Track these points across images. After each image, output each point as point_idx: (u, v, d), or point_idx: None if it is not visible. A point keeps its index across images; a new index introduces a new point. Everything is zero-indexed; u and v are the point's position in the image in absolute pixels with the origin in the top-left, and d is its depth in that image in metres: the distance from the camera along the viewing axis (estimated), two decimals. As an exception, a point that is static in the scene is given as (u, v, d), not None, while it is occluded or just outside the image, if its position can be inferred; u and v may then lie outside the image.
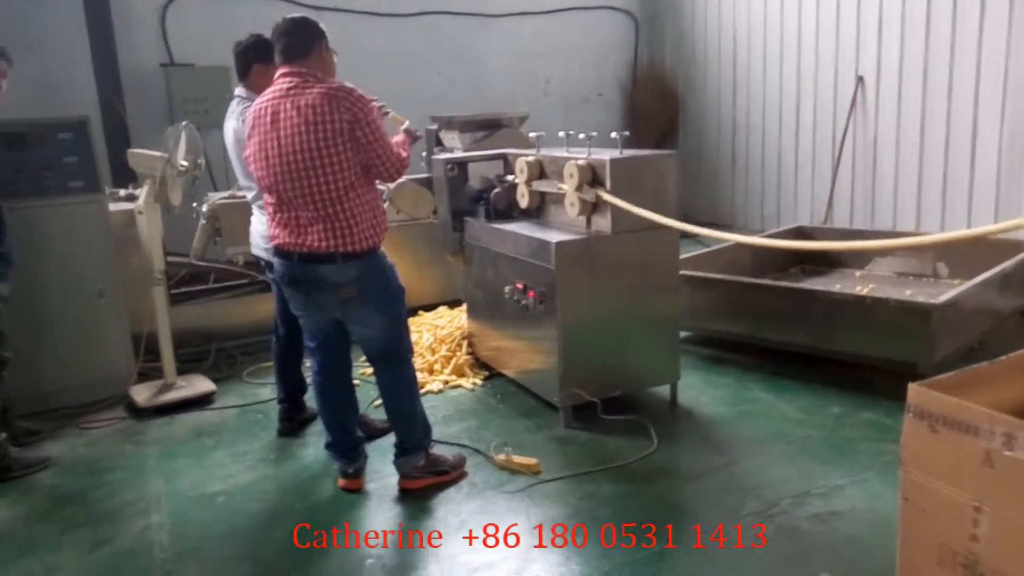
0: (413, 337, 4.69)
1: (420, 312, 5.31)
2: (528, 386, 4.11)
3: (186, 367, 4.74)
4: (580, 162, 3.72)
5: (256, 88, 3.51)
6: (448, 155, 4.57)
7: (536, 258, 3.77)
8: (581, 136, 4.10)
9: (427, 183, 5.32)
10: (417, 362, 4.55)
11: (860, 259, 5.87)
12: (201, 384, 4.47)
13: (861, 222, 7.27)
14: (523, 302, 3.90)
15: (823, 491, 3.06)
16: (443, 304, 5.49)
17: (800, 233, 6.12)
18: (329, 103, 2.79)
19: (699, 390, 4.16)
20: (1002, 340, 4.51)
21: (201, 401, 4.35)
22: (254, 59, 3.62)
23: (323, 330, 3.14)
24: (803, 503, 2.99)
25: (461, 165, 4.54)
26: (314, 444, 3.72)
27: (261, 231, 3.63)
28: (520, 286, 3.91)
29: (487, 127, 6.10)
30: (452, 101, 8.03)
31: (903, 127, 6.79)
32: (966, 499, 1.94)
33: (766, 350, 4.50)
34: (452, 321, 4.93)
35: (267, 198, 2.96)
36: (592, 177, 3.73)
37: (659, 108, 9.45)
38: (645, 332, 3.88)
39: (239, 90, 3.70)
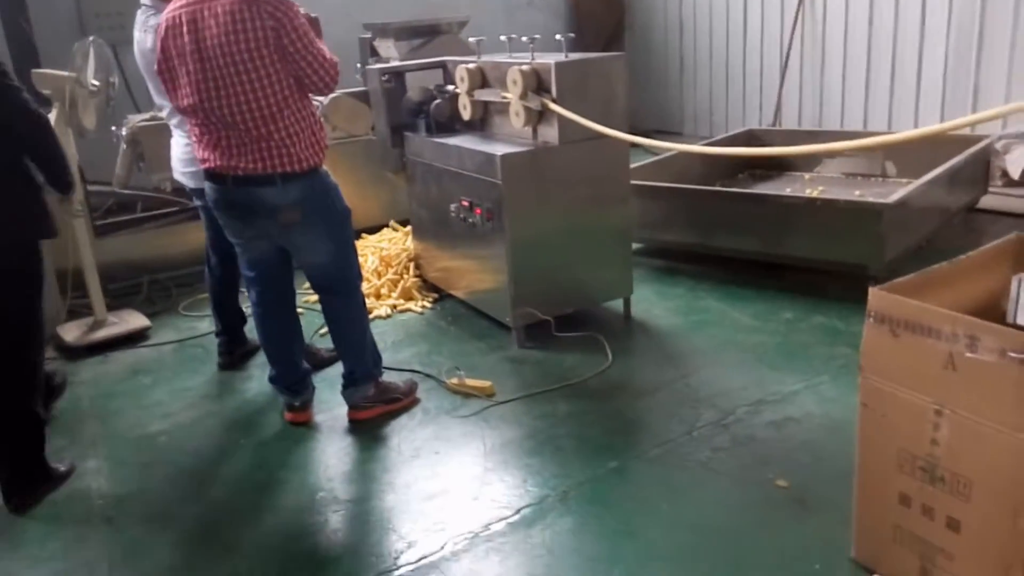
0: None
1: (364, 235, 5.10)
2: (479, 307, 4.00)
3: (118, 303, 4.51)
4: (524, 67, 3.51)
5: None
6: (384, 65, 4.29)
7: (481, 173, 3.59)
8: (524, 40, 3.88)
9: (363, 97, 5.05)
10: (363, 287, 4.39)
11: (809, 162, 5.81)
12: (134, 320, 4.25)
13: (810, 123, 7.20)
14: (470, 220, 3.74)
15: (777, 398, 3.05)
16: (387, 226, 5.29)
17: (751, 137, 6.01)
18: (249, 7, 2.52)
19: (652, 302, 4.09)
20: (949, 237, 4.54)
21: (135, 337, 4.15)
22: None
23: (263, 258, 2.94)
24: (758, 411, 2.97)
25: (398, 75, 4.27)
26: (257, 377, 3.57)
27: (180, 155, 3.37)
28: (466, 203, 3.74)
29: (425, 34, 5.78)
30: (385, 7, 7.59)
31: (851, 24, 6.64)
32: (927, 403, 1.90)
33: (718, 258, 4.44)
34: (398, 243, 4.75)
35: (191, 118, 2.70)
36: (537, 84, 3.53)
37: (604, 10, 9.10)
38: (597, 246, 3.77)
39: None
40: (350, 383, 3.11)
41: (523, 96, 3.53)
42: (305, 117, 2.72)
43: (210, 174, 2.76)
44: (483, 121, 4.04)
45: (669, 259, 4.61)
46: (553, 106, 3.41)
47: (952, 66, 6.00)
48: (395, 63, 4.56)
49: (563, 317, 3.72)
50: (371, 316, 4.02)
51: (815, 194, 5.03)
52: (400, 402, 3.19)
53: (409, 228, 4.89)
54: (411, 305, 4.31)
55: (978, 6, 5.70)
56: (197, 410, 3.37)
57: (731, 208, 4.34)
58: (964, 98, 5.97)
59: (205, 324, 4.24)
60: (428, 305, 4.32)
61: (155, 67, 2.71)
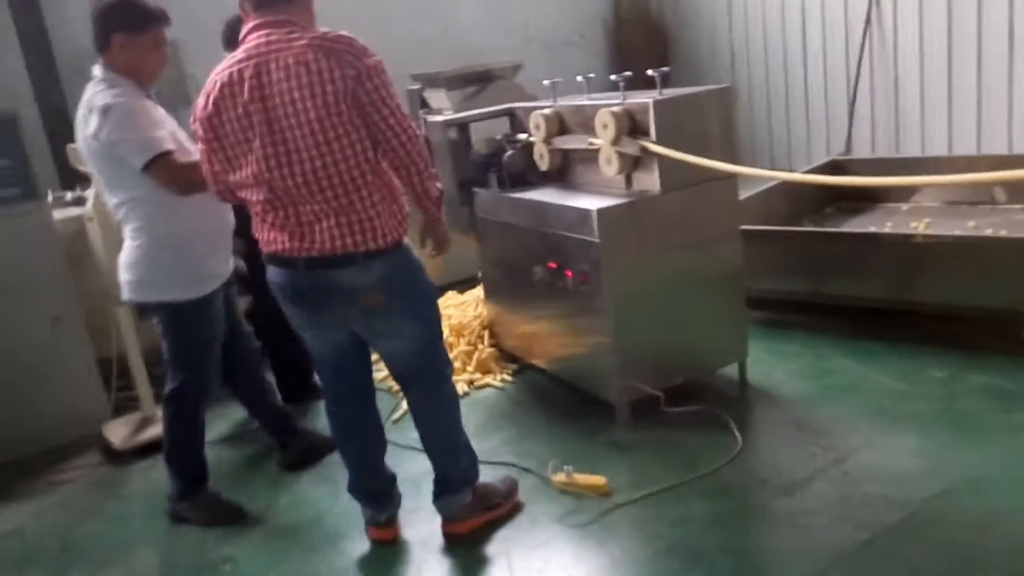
0: None
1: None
2: (569, 379, 3.51)
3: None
4: (615, 109, 3.07)
5: (119, 67, 2.66)
6: (448, 116, 3.89)
7: (572, 231, 3.13)
8: (579, 79, 3.48)
9: None
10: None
11: (903, 192, 5.28)
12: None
13: (885, 150, 6.69)
14: (559, 284, 3.27)
15: (966, 485, 2.51)
16: (451, 287, 4.85)
17: (835, 167, 5.51)
18: (326, 56, 2.11)
19: (768, 364, 3.57)
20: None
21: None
22: (118, 27, 2.63)
23: (337, 350, 2.50)
24: (949, 505, 2.43)
25: (462, 127, 3.86)
26: (332, 479, 3.10)
27: (128, 260, 2.79)
28: (553, 266, 3.28)
29: (477, 81, 5.38)
30: (424, 58, 7.28)
31: (927, 40, 6.15)
32: None
33: (831, 308, 3.91)
34: (468, 308, 4.29)
35: (252, 193, 2.28)
36: (631, 126, 3.09)
37: (647, 46, 8.73)
38: (708, 305, 3.27)
39: (96, 70, 2.70)
40: (444, 490, 2.63)
41: (616, 141, 3.08)
42: (387, 183, 2.29)
43: (276, 258, 2.33)
44: (562, 171, 3.60)
45: (776, 311, 4.08)
46: (656, 148, 2.96)
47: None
48: (454, 114, 4.15)
49: (672, 389, 3.22)
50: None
51: (922, 227, 4.52)
52: (502, 507, 2.70)
53: (476, 292, 4.45)
54: (489, 379, 3.83)
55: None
56: (263, 528, 2.90)
57: (849, 250, 3.82)
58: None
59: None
60: (508, 378, 3.84)
61: (200, 133, 2.27)
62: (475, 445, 3.03)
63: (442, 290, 4.73)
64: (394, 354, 2.50)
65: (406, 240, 2.38)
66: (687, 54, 8.40)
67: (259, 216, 2.30)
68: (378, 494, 2.65)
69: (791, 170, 6.72)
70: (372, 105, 2.16)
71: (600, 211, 2.97)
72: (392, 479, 2.71)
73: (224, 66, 2.20)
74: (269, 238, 2.30)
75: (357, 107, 2.15)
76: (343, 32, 2.18)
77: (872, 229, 4.52)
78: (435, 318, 2.53)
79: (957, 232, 4.06)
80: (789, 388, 3.35)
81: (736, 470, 2.78)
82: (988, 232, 4.14)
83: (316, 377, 3.72)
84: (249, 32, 2.21)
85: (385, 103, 2.19)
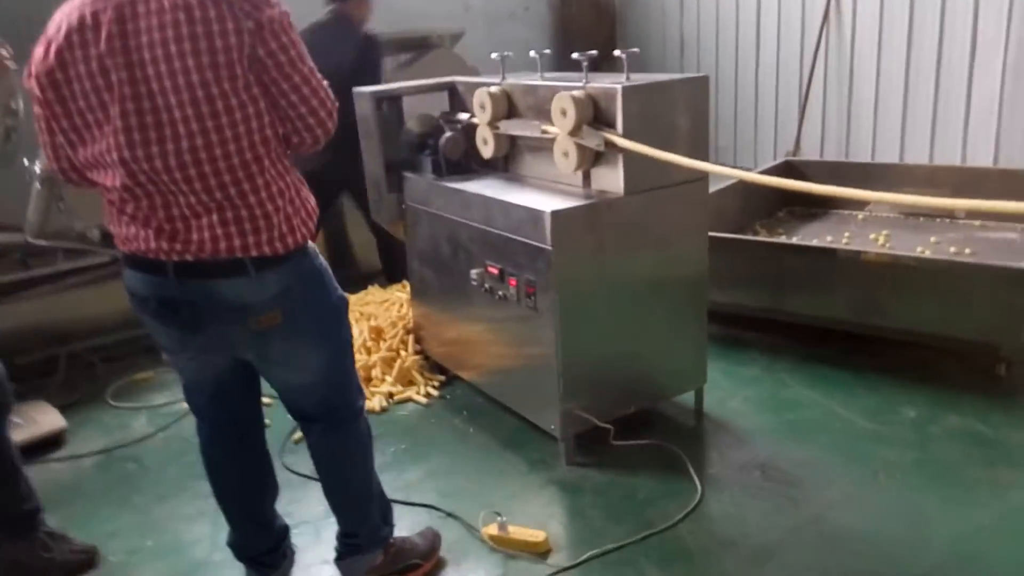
0: None
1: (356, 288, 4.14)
2: (505, 401, 3.06)
3: (26, 388, 3.44)
4: (576, 93, 2.61)
5: None
6: (379, 88, 3.34)
7: (519, 233, 2.66)
8: (532, 55, 3.02)
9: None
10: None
11: (857, 200, 5.02)
12: (44, 418, 3.20)
13: (834, 152, 6.45)
14: (499, 292, 2.81)
15: (959, 560, 2.17)
16: (373, 281, 4.32)
17: (790, 169, 5.20)
18: (215, 0, 1.57)
19: (725, 389, 3.20)
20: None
21: (46, 444, 3.10)
22: None
23: (216, 379, 1.96)
24: (943, 583, 2.10)
25: (393, 100, 3.33)
26: (212, 520, 2.56)
27: None
28: (494, 270, 2.82)
29: (412, 48, 4.86)
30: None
31: (886, 40, 5.90)
32: None
33: (790, 325, 3.57)
34: (392, 308, 3.77)
35: (106, 176, 1.69)
36: (594, 114, 2.63)
37: (593, 24, 8.29)
38: (667, 324, 2.87)
39: None
40: (350, 550, 2.14)
41: (575, 131, 2.62)
42: (288, 170, 1.77)
43: (137, 261, 1.77)
44: (508, 160, 3.13)
45: (732, 325, 3.71)
46: (623, 142, 2.51)
47: (1009, 88, 5.28)
48: (389, 85, 3.61)
49: (622, 418, 2.81)
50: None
51: (882, 240, 4.25)
52: (420, 568, 2.23)
53: (402, 289, 3.95)
54: (412, 393, 3.35)
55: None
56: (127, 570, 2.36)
57: (812, 265, 3.47)
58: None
59: (140, 421, 3.23)
60: (434, 392, 3.36)
61: (37, 93, 1.65)
62: (391, 478, 2.59)
63: (364, 282, 4.22)
64: (293, 387, 1.98)
65: (311, 244, 1.87)
66: (635, 37, 7.98)
67: (115, 206, 1.73)
68: (264, 553, 2.14)
69: (736, 167, 6.43)
70: (277, 69, 1.64)
71: (555, 213, 2.51)
72: (283, 532, 2.20)
73: (74, 4, 1.62)
74: (127, 234, 1.73)
75: (255, 70, 1.61)
76: None
77: (830, 239, 4.22)
78: (346, 340, 2.02)
79: (926, 253, 3.78)
80: (750, 421, 2.98)
81: (696, 526, 2.39)
82: (952, 250, 3.89)
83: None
84: None
85: (295, 66, 1.66)
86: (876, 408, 2.99)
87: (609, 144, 2.55)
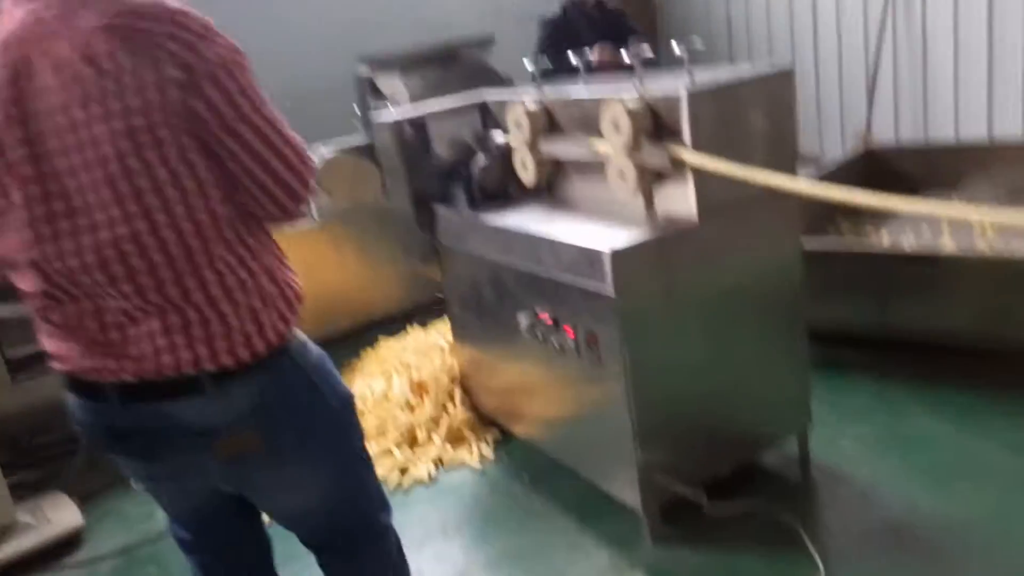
0: (374, 384, 3.19)
1: (379, 338, 3.76)
2: (573, 466, 2.61)
3: (43, 475, 3.16)
4: (630, 103, 2.17)
5: None
6: (401, 113, 2.95)
7: (574, 275, 2.23)
8: (571, 58, 2.57)
9: (365, 152, 3.77)
10: (388, 435, 3.03)
11: (946, 180, 4.42)
12: (60, 514, 2.88)
13: (910, 133, 5.85)
14: (555, 341, 2.38)
15: None
16: (410, 318, 3.93)
17: (871, 157, 4.66)
18: (128, 46, 1.17)
19: (830, 427, 2.70)
20: None
21: (63, 545, 2.79)
22: None
23: (198, 510, 1.58)
24: None
25: (417, 125, 2.93)
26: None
27: None
28: (547, 318, 2.39)
29: (438, 61, 4.47)
30: (383, 32, 6.30)
31: (962, 7, 5.30)
32: None
33: (897, 342, 3.06)
34: (434, 354, 3.36)
35: (22, 279, 1.32)
36: (653, 125, 2.19)
37: (635, 13, 7.81)
38: (760, 360, 2.40)
39: None
40: None
41: (632, 147, 2.18)
42: (254, 253, 1.35)
43: (74, 383, 1.37)
44: (552, 183, 2.70)
45: (828, 346, 3.18)
46: (695, 158, 2.06)
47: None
48: (410, 106, 3.22)
49: (713, 480, 2.36)
50: (406, 482, 2.70)
51: (988, 231, 3.69)
52: None
53: (444, 325, 3.55)
54: (464, 454, 2.94)
55: None
56: None
57: (928, 272, 2.94)
58: None
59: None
60: (488, 452, 2.95)
61: None
62: (445, 569, 2.17)
63: (403, 321, 3.84)
64: (294, 515, 1.58)
65: (294, 335, 1.44)
66: (679, 25, 7.47)
67: (39, 315, 1.36)
68: None
69: (799, 155, 5.87)
70: (221, 126, 1.23)
71: (616, 254, 2.07)
72: None
73: None
74: (57, 350, 1.35)
75: (194, 131, 1.22)
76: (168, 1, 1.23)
77: (929, 235, 3.67)
78: (355, 451, 1.59)
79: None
80: (869, 469, 2.49)
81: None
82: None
83: None
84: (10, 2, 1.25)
85: (247, 121, 1.26)
86: (1019, 445, 2.47)
87: (676, 161, 2.10)
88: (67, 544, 2.78)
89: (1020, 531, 2.11)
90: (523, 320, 2.48)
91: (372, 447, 2.98)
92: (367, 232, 4.13)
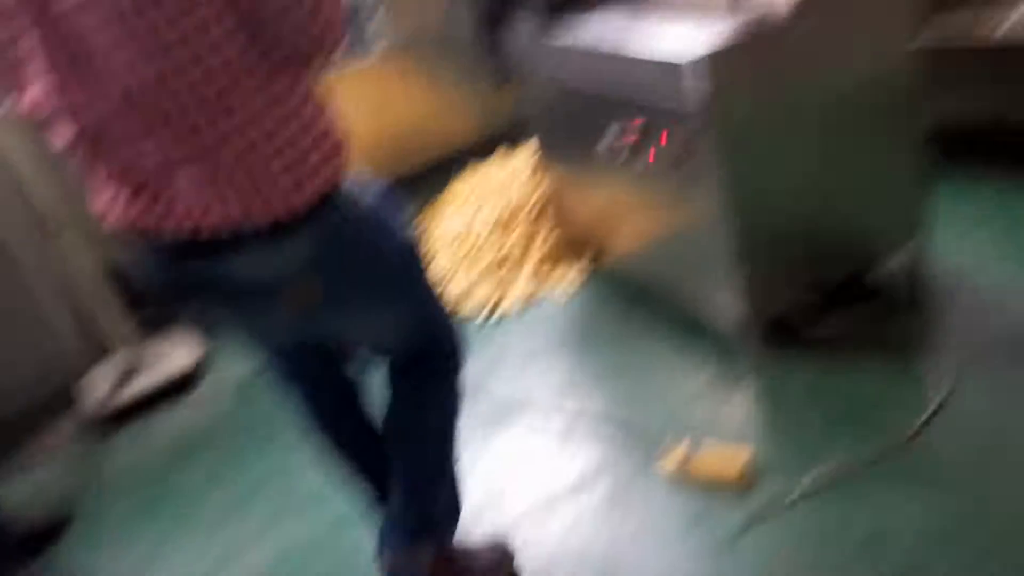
0: (465, 212, 3.14)
1: (463, 169, 3.66)
2: (670, 289, 2.52)
3: (161, 316, 3.27)
4: None
5: None
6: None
7: (656, 90, 2.02)
8: None
9: None
10: (480, 263, 3.01)
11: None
12: (180, 352, 3.03)
13: None
14: (643, 159, 2.23)
15: None
16: (493, 146, 3.79)
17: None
18: None
19: (947, 235, 2.49)
20: None
21: (183, 381, 2.95)
22: None
23: (283, 349, 1.60)
24: None
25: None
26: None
27: None
28: (633, 138, 2.21)
29: None
30: None
31: None
32: None
33: (1011, 143, 2.74)
34: (520, 179, 3.24)
35: (56, 133, 1.24)
36: None
37: None
38: (871, 163, 2.19)
39: None
40: (399, 529, 1.64)
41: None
42: (284, 99, 1.22)
43: (128, 239, 1.31)
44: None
45: (940, 146, 2.91)
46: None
47: None
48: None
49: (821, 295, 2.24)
50: (501, 309, 2.71)
51: None
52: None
53: (528, 147, 3.41)
54: (557, 279, 2.89)
55: None
56: (278, 542, 2.15)
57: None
58: None
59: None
60: (580, 279, 2.89)
61: None
62: (535, 379, 2.22)
63: (486, 150, 3.71)
64: (372, 342, 1.60)
65: (339, 188, 1.32)
66: None
67: (81, 170, 1.28)
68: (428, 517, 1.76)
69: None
70: None
71: (695, 64, 1.85)
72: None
73: None
74: (105, 202, 1.29)
75: None
76: None
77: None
78: (422, 294, 1.55)
79: None
80: (993, 276, 2.30)
81: (947, 432, 1.84)
82: None
83: None
84: None
85: None
86: None
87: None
88: (187, 379, 2.94)
89: None
90: (609, 139, 2.32)
91: (462, 277, 2.98)
92: (434, 59, 3.91)
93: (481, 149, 3.78)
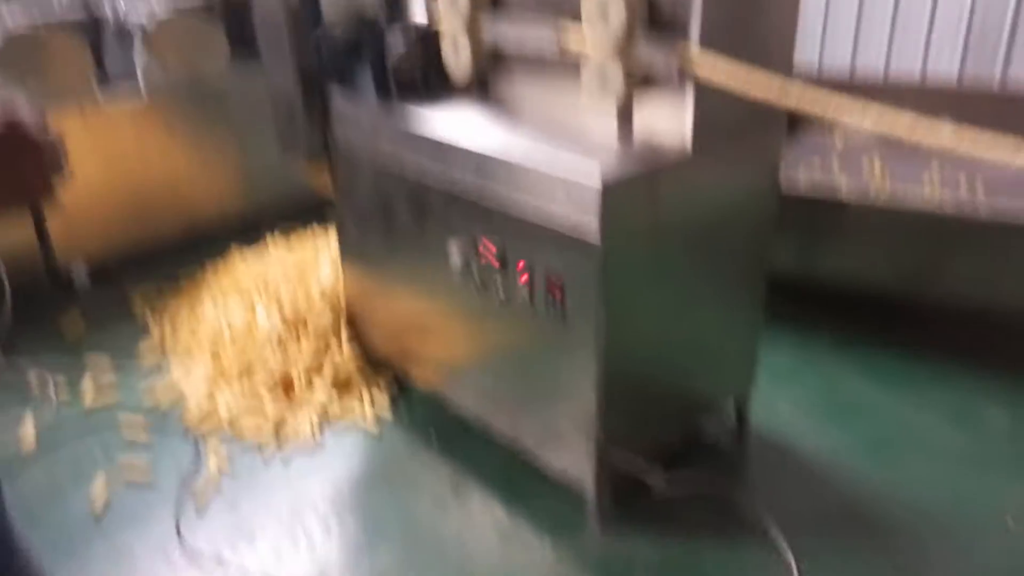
0: (233, 312, 2.61)
1: (231, 249, 3.08)
2: (501, 430, 2.17)
3: None
4: (624, -16, 1.68)
5: None
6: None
7: (540, 206, 1.74)
8: None
9: (206, 12, 3.07)
10: (256, 377, 2.44)
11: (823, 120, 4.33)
12: None
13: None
14: (499, 284, 1.91)
15: None
16: (271, 226, 3.26)
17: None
18: None
19: (764, 389, 2.45)
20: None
21: None
22: None
23: None
24: None
25: (307, -13, 2.24)
26: None
27: None
28: (492, 255, 1.90)
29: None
30: None
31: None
32: None
33: (818, 292, 2.88)
34: (308, 277, 2.74)
35: None
36: (647, 17, 1.72)
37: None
38: (722, 315, 2.09)
39: None
40: None
41: (625, 43, 1.70)
42: None
43: None
44: (486, 81, 2.16)
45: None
46: (718, 67, 1.62)
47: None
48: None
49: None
50: (282, 441, 2.18)
51: (876, 170, 3.61)
52: None
53: (325, 241, 2.96)
54: (354, 407, 2.42)
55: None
56: None
57: (860, 222, 2.74)
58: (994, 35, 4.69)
59: None
60: (384, 407, 2.44)
61: None
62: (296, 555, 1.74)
63: (261, 229, 3.17)
64: None
65: None
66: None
67: None
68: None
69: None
70: None
71: (608, 188, 1.60)
72: None
73: None
74: None
75: None
76: None
77: (818, 167, 3.53)
78: None
79: (936, 187, 3.17)
80: (812, 441, 2.28)
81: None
82: (963, 183, 3.28)
83: None
84: None
85: None
86: (958, 410, 2.37)
87: (685, 68, 1.65)
88: None
89: (973, 511, 2.00)
90: (456, 254, 1.98)
91: (238, 393, 2.39)
92: (209, 112, 3.34)
93: (260, 227, 3.24)
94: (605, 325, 1.72)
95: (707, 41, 1.64)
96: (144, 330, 2.84)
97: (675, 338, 1.96)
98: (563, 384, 1.87)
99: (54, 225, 3.04)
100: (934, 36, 4.94)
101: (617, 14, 1.67)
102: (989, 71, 4.71)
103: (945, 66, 4.86)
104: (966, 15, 4.79)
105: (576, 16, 1.75)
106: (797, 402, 2.45)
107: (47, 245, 3.08)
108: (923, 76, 4.94)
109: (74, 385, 2.56)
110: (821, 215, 2.74)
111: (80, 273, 3.17)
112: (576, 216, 1.66)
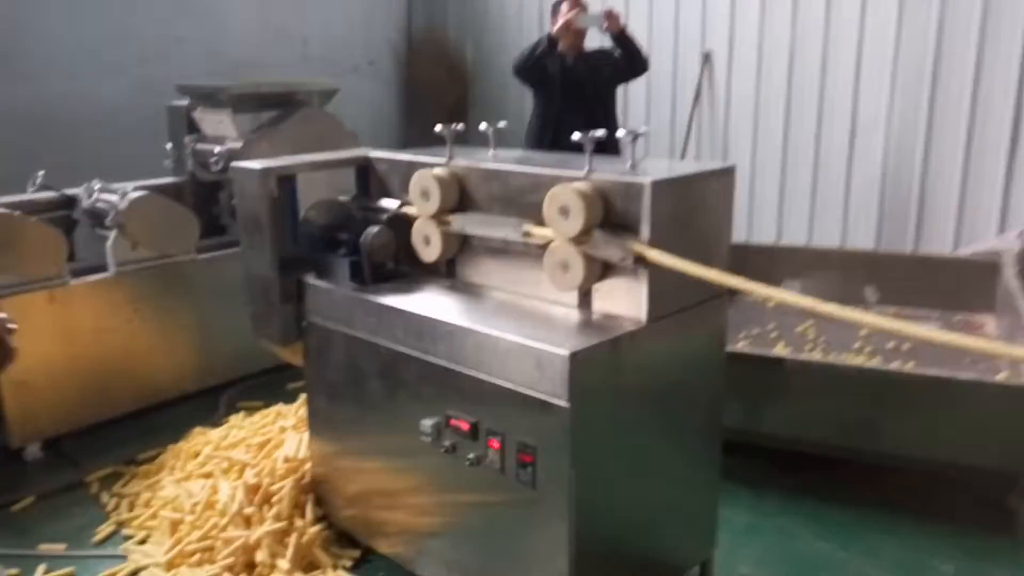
0: (194, 489, 2.60)
1: (194, 427, 3.10)
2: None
3: None
4: (582, 187, 1.91)
5: None
6: (265, 164, 2.43)
7: (509, 378, 1.88)
8: (484, 127, 2.34)
9: (173, 194, 3.25)
10: (218, 556, 2.41)
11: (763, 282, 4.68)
12: None
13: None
14: (469, 454, 1.99)
15: None
16: (241, 400, 3.31)
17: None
18: None
19: (722, 549, 2.52)
20: None
21: None
22: None
23: None
24: None
25: (287, 179, 2.43)
26: None
27: None
28: (463, 425, 2.00)
29: (276, 105, 3.94)
30: (179, 65, 5.58)
31: (762, 119, 5.78)
32: None
33: (758, 449, 3.03)
34: (271, 450, 2.77)
35: None
36: (604, 214, 1.94)
37: (444, 83, 7.66)
38: (682, 479, 2.20)
39: None
40: None
41: (583, 236, 1.92)
42: None
43: None
44: (453, 265, 2.35)
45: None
46: (666, 259, 1.83)
47: (891, 170, 5.25)
48: (278, 160, 2.71)
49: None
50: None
51: (809, 333, 3.90)
52: None
53: (278, 415, 3.00)
54: (317, 583, 2.40)
55: (926, 95, 4.96)
56: None
57: (801, 382, 2.95)
58: (905, 209, 5.23)
59: None
60: (347, 580, 2.43)
61: None
62: None
63: (219, 403, 3.20)
64: None
65: None
66: (490, 99, 7.42)
67: None
68: None
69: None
70: None
71: (575, 357, 1.76)
72: None
73: None
74: None
75: None
76: None
77: (756, 333, 3.80)
78: None
79: (865, 348, 3.46)
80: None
81: None
82: (889, 346, 3.57)
83: None
84: None
85: None
86: (903, 564, 2.48)
87: (643, 258, 1.86)
88: None
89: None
90: (427, 424, 2.07)
91: (196, 574, 2.35)
92: (174, 290, 3.44)
93: (221, 407, 3.29)
94: (576, 487, 1.81)
95: (656, 237, 1.87)
96: (102, 512, 2.78)
97: (641, 502, 2.05)
98: (534, 552, 1.93)
99: (9, 403, 3.02)
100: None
101: (576, 213, 1.90)
102: (901, 237, 5.21)
103: (862, 237, 5.36)
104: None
105: (538, 214, 1.97)
106: (758, 560, 2.52)
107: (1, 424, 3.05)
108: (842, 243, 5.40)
109: (27, 576, 2.47)
110: (763, 375, 2.94)
111: (34, 452, 3.12)
112: (545, 382, 1.80)
